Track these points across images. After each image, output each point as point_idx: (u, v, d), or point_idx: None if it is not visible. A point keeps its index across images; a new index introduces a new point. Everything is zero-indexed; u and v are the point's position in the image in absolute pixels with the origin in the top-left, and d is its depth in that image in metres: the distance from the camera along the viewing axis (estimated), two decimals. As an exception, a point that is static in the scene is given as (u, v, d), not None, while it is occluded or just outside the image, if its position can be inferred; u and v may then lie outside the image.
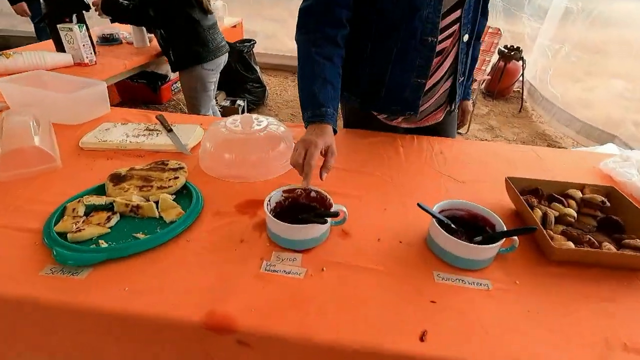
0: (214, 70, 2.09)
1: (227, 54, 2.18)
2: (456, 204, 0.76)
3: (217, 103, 3.15)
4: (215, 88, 2.43)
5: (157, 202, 0.78)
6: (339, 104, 1.29)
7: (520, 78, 3.93)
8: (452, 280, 0.66)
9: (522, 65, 3.85)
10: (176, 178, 0.85)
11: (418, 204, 0.71)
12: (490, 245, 0.65)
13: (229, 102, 3.31)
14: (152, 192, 0.81)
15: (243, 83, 3.40)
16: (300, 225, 0.66)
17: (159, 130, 1.12)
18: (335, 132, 0.86)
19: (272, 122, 1.02)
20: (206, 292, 0.61)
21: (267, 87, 3.66)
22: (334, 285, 0.64)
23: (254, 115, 1.02)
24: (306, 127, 0.86)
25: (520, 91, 3.99)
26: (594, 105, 3.29)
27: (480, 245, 0.65)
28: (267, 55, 4.61)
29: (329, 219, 0.69)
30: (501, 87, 4.03)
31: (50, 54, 1.79)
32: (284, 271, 0.66)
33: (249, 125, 0.97)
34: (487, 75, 3.75)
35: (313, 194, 0.77)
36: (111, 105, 1.31)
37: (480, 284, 0.65)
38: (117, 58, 1.99)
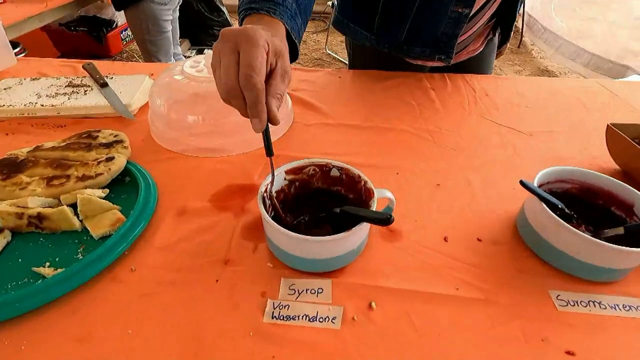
0: (167, 4, 1.65)
1: (182, -17, 1.73)
2: (559, 172, 0.48)
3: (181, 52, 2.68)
4: (176, 31, 1.99)
5: (74, 206, 0.47)
6: (345, 39, 0.95)
7: (520, 9, 3.55)
8: (584, 305, 0.40)
9: (523, -7, 3.44)
10: (110, 159, 0.53)
11: (521, 182, 0.42)
12: (656, 247, 0.38)
13: (194, 52, 2.83)
14: (67, 188, 0.49)
15: (208, 28, 2.90)
16: (328, 238, 0.37)
17: (89, 86, 0.77)
18: (295, 47, 0.46)
19: (254, 62, 0.68)
20: (169, 379, 0.33)
21: (238, 32, 3.16)
22: (398, 338, 0.36)
23: (226, 54, 0.68)
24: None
25: (520, 24, 3.62)
26: (603, 34, 3.00)
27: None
28: (233, -5, 3.99)
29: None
30: (499, 20, 3.64)
31: (-64, -9, 1.32)
32: (306, 317, 0.38)
33: (219, 68, 0.63)
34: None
35: (335, 172, 0.47)
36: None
37: (629, 308, 0.40)
38: (35, -6, 1.51)
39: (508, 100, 0.80)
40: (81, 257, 0.43)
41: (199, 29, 2.90)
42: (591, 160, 0.63)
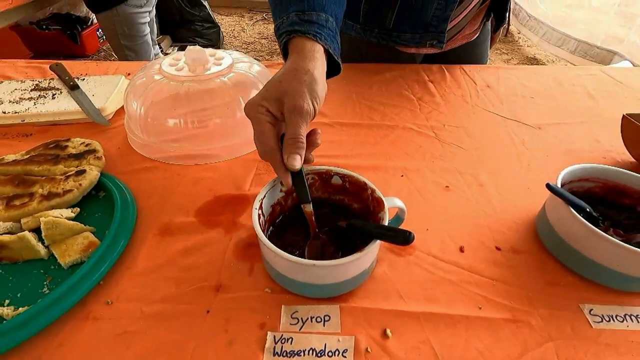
0: (143, 6, 1.53)
1: (158, -18, 1.62)
2: (582, 171, 0.44)
3: (162, 51, 2.57)
4: (155, 30, 1.88)
5: (37, 230, 0.40)
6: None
7: (505, -3, 3.52)
8: (620, 320, 0.36)
9: (508, -19, 3.42)
10: (81, 173, 0.47)
11: (548, 186, 0.38)
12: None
13: (176, 49, 2.73)
14: (30, 209, 0.43)
15: (190, 23, 2.79)
16: (338, 262, 0.32)
17: (57, 89, 0.70)
18: (338, 68, 0.46)
19: (240, 58, 0.63)
20: None
21: (221, 27, 3.06)
22: (418, 371, 0.32)
23: (209, 50, 0.62)
24: (282, 49, 0.44)
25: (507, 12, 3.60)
26: (587, 21, 3.00)
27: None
28: (215, -11, 3.87)
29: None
30: (485, 8, 3.62)
31: None
32: (313, 352, 0.33)
33: (203, 65, 0.58)
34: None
35: (336, 179, 0.42)
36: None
37: (670, 320, 0.36)
38: (-1, -10, 1.40)
39: (511, 91, 0.76)
40: (47, 292, 0.37)
41: (180, 25, 2.79)
42: (605, 154, 0.59)
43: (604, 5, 3.18)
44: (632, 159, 0.57)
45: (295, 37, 0.41)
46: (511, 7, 3.70)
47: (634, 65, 2.28)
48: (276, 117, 0.36)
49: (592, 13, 3.19)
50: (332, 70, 0.45)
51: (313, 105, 0.36)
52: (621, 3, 2.90)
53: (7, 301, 0.36)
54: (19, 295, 0.36)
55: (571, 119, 0.67)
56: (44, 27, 2.21)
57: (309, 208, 0.36)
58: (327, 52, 0.42)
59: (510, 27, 3.62)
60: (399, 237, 0.30)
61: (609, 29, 2.98)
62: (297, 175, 0.35)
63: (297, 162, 0.34)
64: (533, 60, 3.10)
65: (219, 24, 3.02)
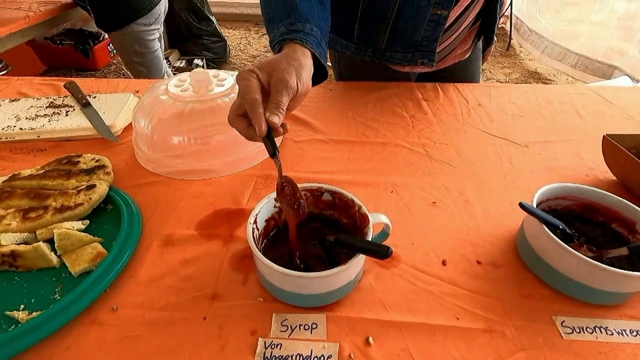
0: (152, 24, 1.59)
1: (166, -1, 1.69)
2: (558, 190, 0.47)
3: (169, 64, 2.65)
4: (164, 44, 1.95)
5: (50, 241, 0.44)
6: (328, 51, 0.94)
7: (507, 12, 3.58)
8: (589, 332, 0.38)
9: (510, -4, 3.48)
10: (91, 188, 0.51)
11: (521, 205, 0.41)
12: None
13: (184, 62, 2.80)
14: (44, 221, 0.46)
15: (198, 38, 2.87)
16: (323, 274, 0.35)
17: (71, 106, 0.74)
18: (324, 73, 0.53)
19: (241, 79, 0.66)
20: None
21: (228, 41, 3.14)
22: (397, 376, 0.34)
23: (212, 71, 0.66)
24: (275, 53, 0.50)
25: (509, 26, 3.66)
26: (587, 35, 3.04)
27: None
28: (223, 5, 3.98)
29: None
30: (487, 23, 3.67)
31: None
32: (300, 357, 0.35)
33: (206, 86, 0.62)
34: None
35: (327, 196, 0.45)
36: (33, 76, 0.90)
37: (637, 333, 0.38)
38: (18, 10, 1.48)
39: (502, 109, 0.79)
40: (59, 298, 0.40)
41: (188, 39, 2.87)
42: (588, 171, 0.61)
43: (604, 20, 3.22)
44: (614, 177, 0.59)
45: (286, 44, 0.48)
46: (513, 21, 3.75)
47: (632, 79, 2.30)
48: (263, 86, 0.41)
49: (593, 27, 3.23)
50: (320, 76, 0.52)
51: (297, 84, 0.41)
52: (621, 17, 2.93)
53: (22, 306, 0.39)
54: (32, 300, 0.40)
55: (557, 137, 0.70)
56: (58, 42, 2.29)
57: (276, 161, 0.39)
58: (314, 56, 0.48)
59: (512, 41, 3.67)
60: (379, 251, 0.33)
61: (609, 43, 3.01)
62: (268, 133, 0.39)
63: (277, 120, 0.38)
64: (534, 75, 3.13)
65: (226, 38, 3.10)
